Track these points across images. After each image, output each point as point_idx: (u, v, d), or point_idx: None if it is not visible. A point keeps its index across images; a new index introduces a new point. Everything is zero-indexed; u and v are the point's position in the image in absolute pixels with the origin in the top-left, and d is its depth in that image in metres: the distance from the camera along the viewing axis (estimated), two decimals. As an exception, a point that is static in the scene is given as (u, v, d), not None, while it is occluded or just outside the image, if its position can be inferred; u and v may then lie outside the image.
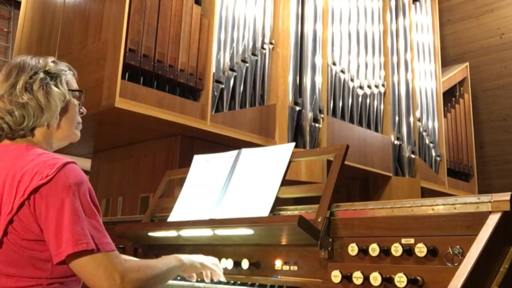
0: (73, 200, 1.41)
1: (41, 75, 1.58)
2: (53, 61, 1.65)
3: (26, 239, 1.42)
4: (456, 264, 1.45)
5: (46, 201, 1.40)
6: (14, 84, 1.55)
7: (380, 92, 4.94)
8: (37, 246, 1.42)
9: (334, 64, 4.48)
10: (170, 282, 2.04)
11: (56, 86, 1.60)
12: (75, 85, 1.70)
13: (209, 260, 1.89)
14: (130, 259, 1.54)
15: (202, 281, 2.03)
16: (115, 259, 1.42)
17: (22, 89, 1.54)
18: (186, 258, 1.76)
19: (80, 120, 1.72)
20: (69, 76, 1.67)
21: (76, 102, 1.69)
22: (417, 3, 5.96)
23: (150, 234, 2.27)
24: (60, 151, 1.72)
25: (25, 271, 1.42)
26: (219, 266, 1.93)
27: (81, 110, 1.72)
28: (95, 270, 1.38)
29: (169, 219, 2.27)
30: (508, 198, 1.47)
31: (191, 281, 2.00)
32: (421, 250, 1.54)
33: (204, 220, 2.04)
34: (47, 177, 1.41)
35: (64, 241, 1.37)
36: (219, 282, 1.98)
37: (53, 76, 1.60)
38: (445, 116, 5.96)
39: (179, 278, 2.06)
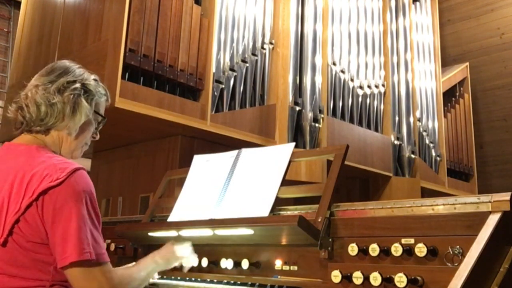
0: (81, 208, 1.43)
1: (78, 85, 1.62)
2: (95, 79, 1.70)
3: (31, 241, 1.42)
4: (456, 264, 1.45)
5: (54, 204, 1.41)
6: (51, 81, 1.59)
7: (380, 92, 4.94)
8: (41, 249, 1.43)
9: (334, 64, 4.48)
10: (171, 282, 2.04)
11: (86, 100, 1.63)
12: (102, 110, 1.74)
13: (180, 251, 1.92)
14: (117, 269, 1.58)
15: (203, 281, 2.04)
16: (108, 274, 1.46)
17: (56, 89, 1.58)
18: (160, 257, 1.81)
19: (88, 142, 1.75)
20: (102, 100, 1.72)
21: (94, 124, 1.71)
22: (417, 3, 5.95)
23: (150, 234, 2.27)
24: (60, 151, 1.72)
25: (28, 272, 1.43)
26: (190, 254, 1.96)
27: (94, 135, 1.75)
28: (89, 281, 1.42)
29: (169, 219, 2.27)
30: (508, 198, 1.47)
31: (191, 280, 2.01)
32: (421, 250, 1.54)
33: (204, 220, 2.04)
34: (57, 180, 1.42)
35: (70, 247, 1.39)
36: (219, 282, 1.98)
37: (88, 92, 1.65)
38: (445, 116, 5.95)
39: (179, 278, 2.06)
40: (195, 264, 1.98)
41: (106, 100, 1.75)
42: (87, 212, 1.44)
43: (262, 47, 3.99)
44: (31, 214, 1.41)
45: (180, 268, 1.98)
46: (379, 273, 1.53)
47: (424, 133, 5.50)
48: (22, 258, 1.42)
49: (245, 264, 1.97)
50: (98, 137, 1.77)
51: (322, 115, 4.18)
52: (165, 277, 2.12)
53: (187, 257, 1.94)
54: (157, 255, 1.82)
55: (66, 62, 1.68)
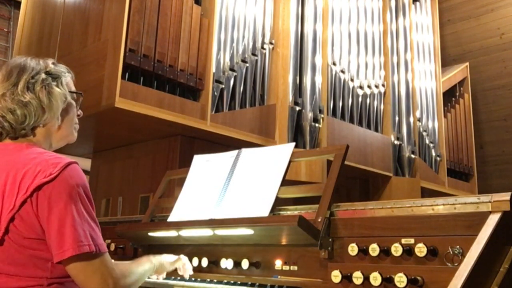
0: (76, 201, 1.43)
1: (43, 75, 1.60)
2: (53, 63, 1.67)
3: (27, 238, 1.42)
4: (456, 264, 1.45)
5: (49, 199, 1.41)
6: (15, 83, 1.57)
7: (380, 92, 4.94)
8: (38, 245, 1.43)
9: (334, 64, 4.48)
10: (171, 282, 2.04)
11: (57, 86, 1.62)
12: (73, 87, 1.73)
13: (176, 259, 2.01)
14: (115, 262, 1.59)
15: (203, 281, 2.04)
16: (109, 264, 1.48)
17: (24, 88, 1.56)
18: (156, 259, 1.87)
19: (77, 121, 1.74)
20: (68, 78, 1.70)
21: (74, 104, 1.71)
22: (417, 3, 5.95)
23: (150, 234, 2.27)
24: (60, 151, 1.73)
25: (26, 270, 1.43)
26: (187, 263, 2.04)
27: (78, 112, 1.74)
28: (92, 274, 1.43)
29: (169, 219, 2.27)
30: (508, 198, 1.47)
31: (191, 280, 2.01)
32: (421, 250, 1.54)
33: (204, 220, 2.04)
34: (51, 176, 1.42)
35: (67, 242, 1.39)
36: (219, 282, 1.98)
37: (54, 77, 1.63)
38: (445, 116, 5.96)
39: (179, 278, 2.06)
40: (190, 273, 2.03)
41: (72, 76, 1.73)
42: (82, 205, 1.45)
43: (262, 47, 3.99)
44: (26, 211, 1.41)
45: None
46: (379, 273, 1.53)
47: (424, 133, 5.50)
48: (19, 256, 1.42)
49: (245, 264, 1.97)
50: (81, 113, 1.75)
51: (322, 115, 4.18)
52: (165, 276, 2.12)
53: (182, 265, 2.01)
54: (153, 257, 1.87)
55: (17, 59, 1.65)
